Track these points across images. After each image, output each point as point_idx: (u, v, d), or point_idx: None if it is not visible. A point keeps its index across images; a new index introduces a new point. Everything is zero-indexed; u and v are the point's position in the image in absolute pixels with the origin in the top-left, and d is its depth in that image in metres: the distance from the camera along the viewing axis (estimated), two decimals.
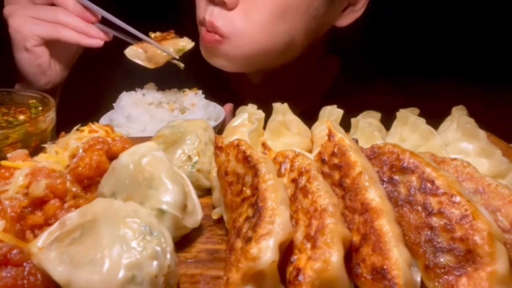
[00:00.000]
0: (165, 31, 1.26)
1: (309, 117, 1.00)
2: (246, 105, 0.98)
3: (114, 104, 1.25)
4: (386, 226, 0.57)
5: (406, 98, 1.16)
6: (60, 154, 0.80)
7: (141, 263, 0.54)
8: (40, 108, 1.01)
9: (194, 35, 1.26)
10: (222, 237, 0.75)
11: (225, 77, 1.47)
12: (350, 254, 0.59)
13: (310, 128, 0.97)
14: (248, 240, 0.55)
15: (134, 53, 1.21)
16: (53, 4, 1.11)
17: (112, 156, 0.78)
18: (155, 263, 0.55)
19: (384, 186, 0.65)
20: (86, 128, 0.87)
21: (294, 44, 1.22)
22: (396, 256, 0.54)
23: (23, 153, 0.78)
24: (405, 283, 0.52)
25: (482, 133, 0.83)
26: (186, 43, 1.24)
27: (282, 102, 0.99)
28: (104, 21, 1.15)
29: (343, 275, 0.53)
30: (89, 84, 1.37)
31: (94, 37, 1.12)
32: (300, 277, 0.52)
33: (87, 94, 1.36)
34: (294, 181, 0.66)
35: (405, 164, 0.64)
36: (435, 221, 0.59)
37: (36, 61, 1.13)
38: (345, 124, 0.91)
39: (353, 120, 0.95)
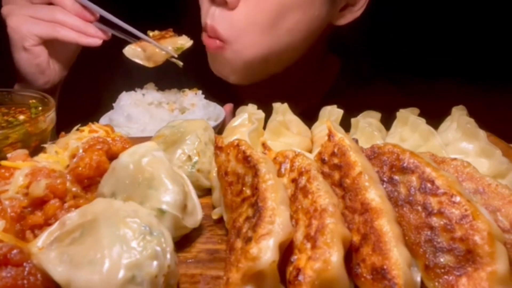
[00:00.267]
0: (164, 30, 1.26)
1: (309, 117, 1.00)
2: (246, 105, 0.98)
3: (114, 104, 1.25)
4: (386, 226, 0.57)
5: (406, 98, 1.16)
6: (60, 154, 0.80)
7: (141, 263, 0.54)
8: (40, 108, 1.01)
9: (192, 34, 1.25)
10: (222, 237, 0.75)
11: None
12: (350, 254, 0.58)
13: (310, 128, 0.97)
14: (248, 240, 0.55)
15: (133, 52, 1.21)
16: (51, 3, 1.11)
17: (112, 156, 0.78)
18: (155, 263, 0.55)
19: (384, 186, 0.64)
20: (86, 128, 0.87)
21: (295, 46, 1.22)
22: (396, 256, 0.54)
23: (23, 153, 0.78)
24: (405, 283, 0.52)
25: (482, 133, 0.82)
26: (184, 41, 1.24)
27: (282, 102, 0.99)
28: (102, 20, 1.14)
29: (343, 275, 0.53)
30: (89, 84, 1.37)
31: (93, 36, 1.12)
32: (300, 277, 0.52)
33: (86, 94, 1.36)
34: (294, 181, 0.66)
35: (405, 164, 0.64)
36: (435, 221, 0.59)
37: (34, 61, 1.13)
38: (345, 124, 0.91)
39: (353, 120, 0.95)
